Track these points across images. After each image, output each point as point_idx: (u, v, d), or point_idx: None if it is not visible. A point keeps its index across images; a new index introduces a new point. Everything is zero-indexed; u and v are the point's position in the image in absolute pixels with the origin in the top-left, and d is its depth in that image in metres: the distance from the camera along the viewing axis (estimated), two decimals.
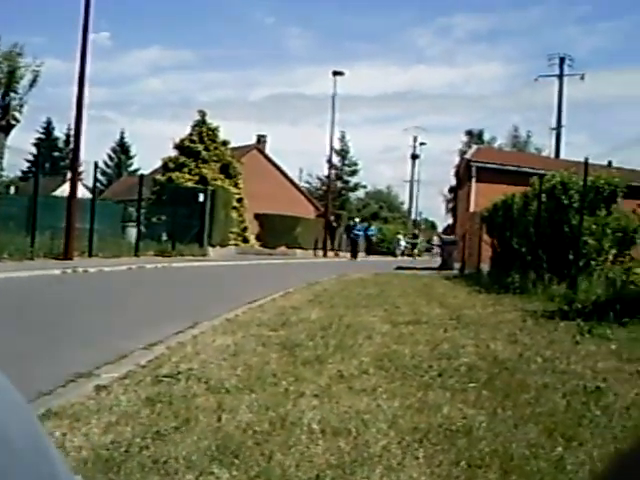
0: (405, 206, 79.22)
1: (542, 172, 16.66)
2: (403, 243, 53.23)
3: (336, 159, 64.55)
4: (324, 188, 59.38)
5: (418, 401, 4.49)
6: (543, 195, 14.59)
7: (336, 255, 41.84)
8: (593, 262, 13.18)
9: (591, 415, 4.23)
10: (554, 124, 51.91)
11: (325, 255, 40.64)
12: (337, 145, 63.32)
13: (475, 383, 5.04)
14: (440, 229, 74.12)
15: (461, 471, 3.26)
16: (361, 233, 42.17)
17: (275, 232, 40.99)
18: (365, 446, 3.55)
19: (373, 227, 49.70)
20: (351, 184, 73.50)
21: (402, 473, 3.22)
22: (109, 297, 11.80)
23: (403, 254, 50.46)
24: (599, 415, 4.23)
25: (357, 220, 44.68)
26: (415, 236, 54.26)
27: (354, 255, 39.09)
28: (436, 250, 51.13)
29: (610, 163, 28.74)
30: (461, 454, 3.47)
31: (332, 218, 45.17)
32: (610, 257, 13.32)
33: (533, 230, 15.01)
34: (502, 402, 4.49)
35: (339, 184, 69.46)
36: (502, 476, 3.20)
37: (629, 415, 4.28)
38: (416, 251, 48.85)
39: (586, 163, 12.94)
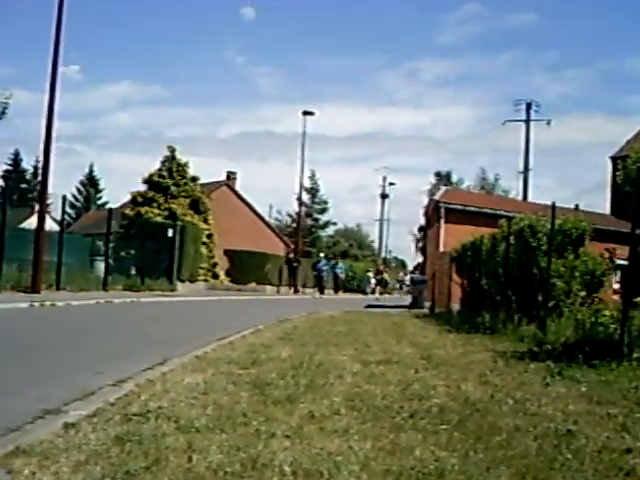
0: (375, 244, 79.73)
1: (510, 214, 16.87)
2: (373, 281, 52.72)
3: (306, 197, 65.02)
4: (294, 225, 59.57)
5: (390, 443, 4.46)
6: (511, 237, 14.73)
7: (295, 292, 41.35)
8: (562, 304, 13.29)
9: (563, 458, 4.23)
10: (521, 167, 52.81)
11: (296, 292, 40.56)
12: (307, 183, 63.75)
13: (447, 425, 5.02)
14: (410, 267, 74.49)
15: None
16: (326, 269, 41.70)
17: (245, 268, 40.97)
18: None
19: (341, 264, 49.37)
20: (321, 222, 73.86)
21: None
22: (77, 332, 11.65)
23: (373, 292, 50.13)
24: (570, 458, 4.23)
25: (322, 255, 44.52)
26: (379, 272, 53.65)
27: (320, 291, 38.75)
28: (405, 288, 51.17)
29: (577, 206, 29.18)
30: None
31: (292, 256, 45.00)
32: (579, 299, 13.43)
33: (502, 271, 15.13)
34: (474, 444, 4.48)
35: (309, 221, 69.77)
36: None
37: (600, 459, 4.28)
38: (378, 289, 48.31)
39: (553, 207, 13.10)
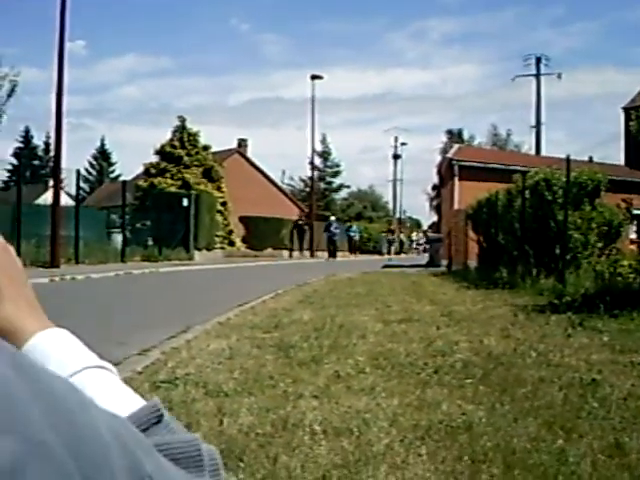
0: (389, 205, 79.55)
1: (524, 169, 16.78)
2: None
3: (318, 161, 64.63)
4: (307, 189, 59.46)
5: (417, 399, 4.51)
6: (527, 191, 14.68)
7: (311, 256, 40.46)
8: (580, 255, 13.28)
9: (589, 407, 4.27)
10: (533, 122, 52.37)
11: (312, 256, 40.60)
12: (319, 147, 63.36)
13: (472, 379, 5.07)
14: (425, 227, 74.39)
15: (465, 467, 3.28)
16: (338, 231, 40.47)
17: (261, 234, 41.02)
18: (368, 445, 3.57)
19: (355, 227, 48.50)
20: (334, 185, 73.66)
21: (407, 471, 3.24)
22: (99, 304, 11.75)
23: (389, 252, 50.04)
24: (597, 407, 4.27)
25: (333, 219, 42.24)
26: (390, 231, 53.13)
27: (332, 255, 37.82)
28: (420, 247, 50.65)
29: (591, 159, 29.03)
30: (463, 450, 3.49)
31: (301, 220, 42.97)
32: (596, 251, 13.42)
33: (518, 226, 15.11)
34: (500, 397, 4.52)
35: (322, 185, 69.58)
36: (505, 470, 3.22)
37: (626, 406, 4.32)
38: (393, 249, 47.68)
39: (568, 160, 13.02)
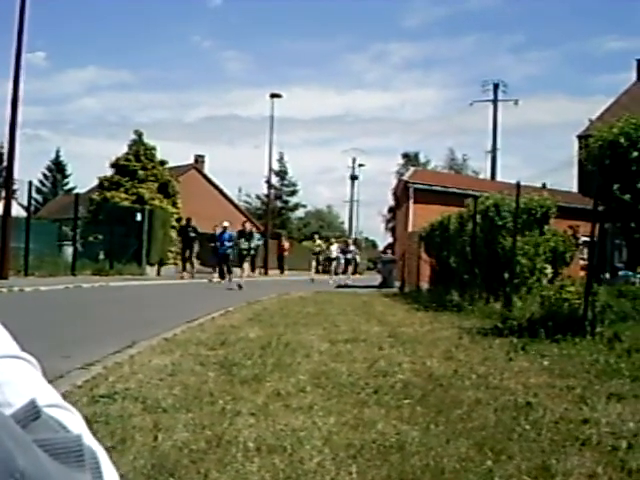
0: (345, 225, 79.88)
1: (478, 194, 17.02)
2: (342, 262, 46.92)
3: (275, 179, 64.73)
4: (264, 207, 59.45)
5: (353, 418, 4.55)
6: (478, 216, 14.89)
7: (183, 270, 29.25)
8: (528, 281, 13.48)
9: (520, 429, 4.35)
10: (489, 147, 53.19)
11: (266, 273, 40.50)
12: (276, 166, 63.46)
13: (410, 399, 5.13)
14: (380, 247, 74.61)
15: None
16: (229, 244, 25.51)
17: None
18: (300, 463, 3.60)
19: (257, 235, 29.97)
20: (291, 204, 73.82)
21: None
22: (45, 317, 11.60)
23: (345, 272, 46.46)
24: (528, 429, 4.35)
25: (226, 225, 26.76)
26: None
27: (221, 274, 26.13)
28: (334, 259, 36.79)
29: (544, 185, 29.45)
30: (394, 469, 3.54)
31: (186, 223, 30.54)
32: (544, 276, 13.63)
33: (469, 250, 15.30)
34: (435, 417, 4.59)
35: (279, 204, 69.70)
36: None
37: (557, 429, 4.41)
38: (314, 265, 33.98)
39: (518, 185, 13.25)
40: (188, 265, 29.67)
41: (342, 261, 32.75)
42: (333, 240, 37.47)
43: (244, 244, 23.69)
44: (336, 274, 32.68)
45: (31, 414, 0.60)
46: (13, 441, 0.52)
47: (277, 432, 4.15)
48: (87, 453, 0.58)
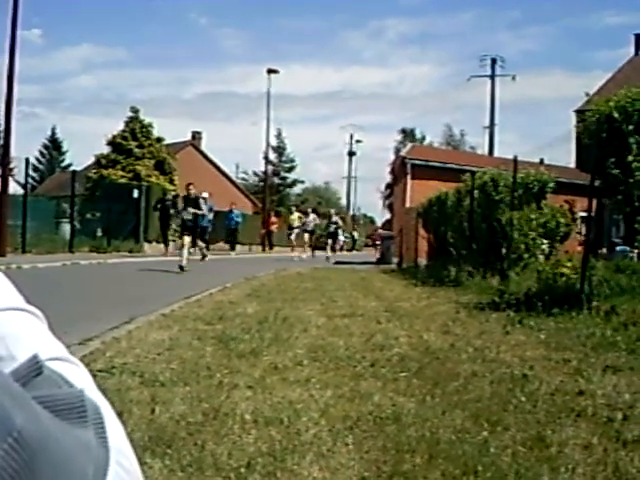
0: (343, 202, 79.86)
1: (475, 169, 17.00)
2: (342, 238, 44.67)
3: (273, 156, 64.56)
4: (261, 184, 59.34)
5: (350, 390, 4.57)
6: (475, 191, 14.88)
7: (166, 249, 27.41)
8: (526, 255, 13.50)
9: (516, 401, 4.37)
10: (487, 123, 53.06)
11: (264, 250, 40.48)
12: (274, 142, 63.26)
13: (406, 372, 5.15)
14: (379, 224, 74.69)
15: (389, 456, 3.35)
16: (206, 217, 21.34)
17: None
18: (296, 434, 3.62)
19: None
20: (289, 180, 73.68)
21: (332, 459, 3.30)
22: (43, 293, 11.60)
23: (342, 249, 47.09)
24: (524, 401, 4.38)
25: (205, 196, 21.35)
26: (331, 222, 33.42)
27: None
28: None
29: (542, 160, 29.43)
30: (390, 440, 3.56)
31: (168, 196, 27.24)
32: (540, 251, 13.65)
33: (467, 225, 15.31)
34: (431, 390, 4.61)
35: (277, 180, 69.55)
36: (428, 460, 3.29)
37: (553, 401, 4.43)
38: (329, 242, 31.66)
39: (515, 160, 13.24)
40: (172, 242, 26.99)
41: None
42: (309, 210, 33.20)
43: (187, 214, 18.08)
44: (333, 250, 30.70)
45: (33, 370, 0.59)
46: (11, 399, 0.51)
47: (274, 404, 4.17)
48: (90, 409, 0.58)
